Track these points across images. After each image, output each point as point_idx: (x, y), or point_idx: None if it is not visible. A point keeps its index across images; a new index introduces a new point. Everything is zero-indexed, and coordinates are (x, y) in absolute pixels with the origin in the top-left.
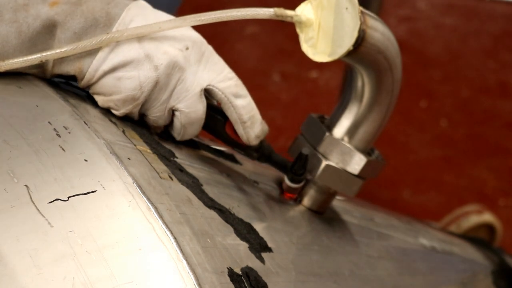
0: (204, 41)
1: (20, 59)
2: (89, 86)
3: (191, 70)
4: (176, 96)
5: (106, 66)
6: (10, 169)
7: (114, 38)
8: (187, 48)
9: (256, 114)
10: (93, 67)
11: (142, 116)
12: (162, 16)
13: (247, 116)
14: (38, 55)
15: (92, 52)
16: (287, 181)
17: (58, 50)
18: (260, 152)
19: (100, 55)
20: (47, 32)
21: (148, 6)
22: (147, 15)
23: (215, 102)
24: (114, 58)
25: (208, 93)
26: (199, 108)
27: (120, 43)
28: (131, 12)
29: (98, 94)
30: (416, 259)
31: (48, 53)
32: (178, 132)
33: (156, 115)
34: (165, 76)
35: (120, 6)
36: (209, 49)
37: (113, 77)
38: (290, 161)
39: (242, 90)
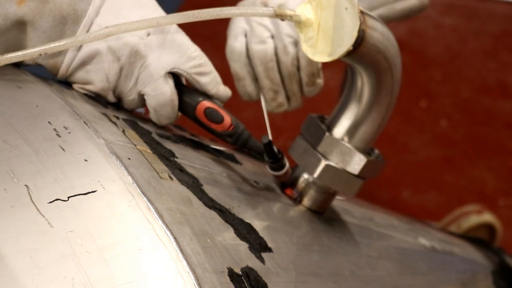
0: None
1: (20, 53)
2: (64, 79)
3: (154, 56)
4: (141, 82)
5: (75, 63)
6: (10, 169)
7: (91, 38)
8: (148, 34)
9: (219, 83)
10: (66, 64)
11: (119, 101)
12: (127, 2)
13: (214, 90)
14: (37, 49)
15: (63, 51)
16: (268, 169)
17: (57, 44)
18: (235, 137)
19: (70, 52)
20: (18, 30)
21: None
22: (112, 5)
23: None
24: (81, 55)
25: (174, 74)
26: (165, 90)
27: None
28: (96, 5)
29: (72, 82)
30: (416, 259)
31: (47, 46)
32: (153, 116)
33: (129, 99)
34: (128, 65)
35: (86, 0)
36: (172, 29)
37: (82, 70)
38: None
39: (206, 67)
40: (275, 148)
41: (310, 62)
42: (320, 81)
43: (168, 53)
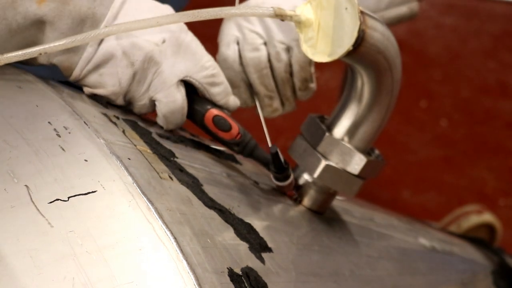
0: (183, 30)
1: (20, 52)
2: (76, 81)
3: (168, 63)
4: (154, 88)
5: (90, 65)
6: (10, 169)
7: (91, 38)
8: (163, 42)
9: (229, 94)
10: (80, 67)
11: (129, 104)
12: (144, 6)
13: (223, 101)
14: (37, 48)
15: (79, 52)
16: (273, 180)
17: (57, 43)
18: (242, 146)
19: (86, 55)
20: (36, 29)
21: None
22: (130, 9)
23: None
24: (97, 57)
25: (186, 82)
26: (177, 98)
27: (101, 42)
28: (116, 9)
29: (83, 85)
30: (416, 259)
31: (47, 46)
32: (161, 121)
33: (139, 104)
34: (142, 71)
35: (106, 4)
36: (188, 38)
37: (96, 73)
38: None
39: (218, 77)
40: (282, 158)
41: (303, 67)
42: (313, 85)
43: (182, 61)
